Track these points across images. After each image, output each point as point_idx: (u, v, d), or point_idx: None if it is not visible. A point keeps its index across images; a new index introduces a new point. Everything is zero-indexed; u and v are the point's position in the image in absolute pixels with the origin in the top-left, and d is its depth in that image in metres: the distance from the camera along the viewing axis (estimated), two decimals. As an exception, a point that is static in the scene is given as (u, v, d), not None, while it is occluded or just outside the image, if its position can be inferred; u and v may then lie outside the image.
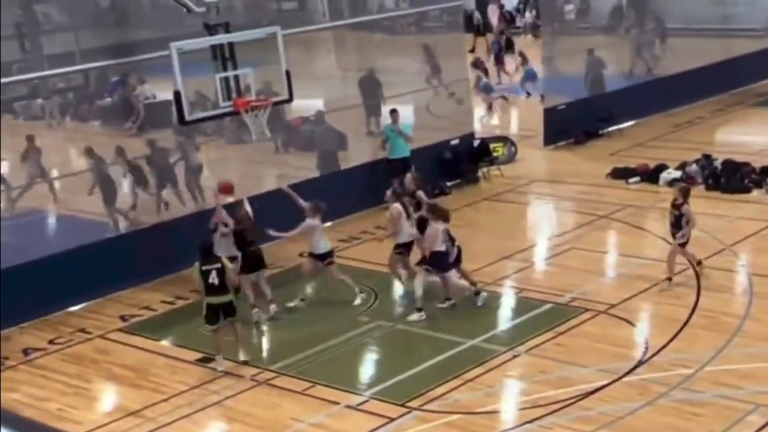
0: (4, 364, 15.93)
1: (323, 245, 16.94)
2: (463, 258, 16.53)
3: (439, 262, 16.21)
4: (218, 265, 14.78)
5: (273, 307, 16.82)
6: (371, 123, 25.15)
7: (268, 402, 13.96)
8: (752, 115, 28.87)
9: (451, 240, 16.27)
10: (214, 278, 14.71)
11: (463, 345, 15.19)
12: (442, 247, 16.12)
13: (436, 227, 16.11)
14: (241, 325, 15.46)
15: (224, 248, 16.43)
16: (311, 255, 17.01)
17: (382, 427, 12.91)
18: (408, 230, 17.02)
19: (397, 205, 16.96)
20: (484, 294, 16.59)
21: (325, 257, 16.94)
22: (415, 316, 16.17)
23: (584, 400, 13.06)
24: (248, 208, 17.13)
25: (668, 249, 16.99)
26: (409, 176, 18.29)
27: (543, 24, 31.68)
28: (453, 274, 16.50)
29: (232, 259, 16.26)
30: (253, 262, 16.69)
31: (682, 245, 16.73)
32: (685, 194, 16.77)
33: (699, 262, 16.98)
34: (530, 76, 32.87)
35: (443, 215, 16.30)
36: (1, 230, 17.76)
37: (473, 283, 16.64)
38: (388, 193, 17.29)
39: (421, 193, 17.67)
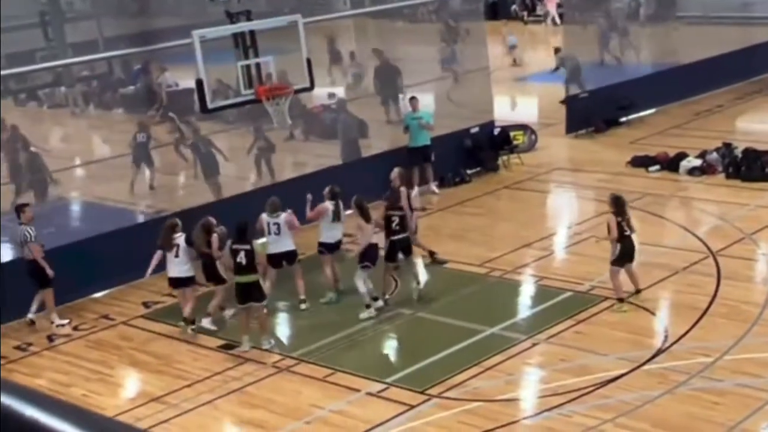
0: (29, 350, 16.11)
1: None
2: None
3: (374, 254, 16.21)
4: (248, 246, 15.06)
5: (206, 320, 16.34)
6: (390, 111, 25.21)
7: (289, 388, 14.06)
8: (772, 103, 28.77)
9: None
10: (242, 258, 14.98)
11: (483, 333, 15.25)
12: (374, 240, 16.18)
13: (370, 225, 16.18)
14: (267, 312, 15.63)
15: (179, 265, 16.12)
16: None
17: (402, 415, 12.99)
18: (330, 232, 16.92)
19: (327, 204, 16.88)
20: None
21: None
22: (365, 314, 16.01)
23: (603, 388, 13.12)
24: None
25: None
26: (395, 171, 17.89)
27: (566, 12, 31.64)
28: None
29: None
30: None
31: (613, 263, 15.55)
32: (616, 205, 15.56)
33: (620, 300, 15.60)
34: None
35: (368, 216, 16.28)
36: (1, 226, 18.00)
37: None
38: (326, 190, 17.07)
39: (403, 190, 17.43)
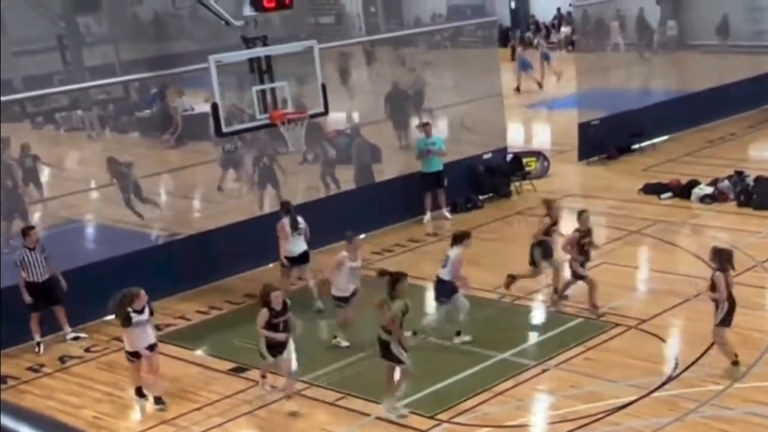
0: (41, 372, 16.20)
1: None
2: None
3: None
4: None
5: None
6: (402, 137, 25.35)
7: (299, 412, 14.09)
8: (785, 131, 28.78)
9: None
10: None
11: (494, 358, 15.28)
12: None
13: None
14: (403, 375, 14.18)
15: None
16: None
17: (413, 439, 13.03)
18: (293, 246, 17.43)
19: (284, 219, 17.43)
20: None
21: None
22: (457, 339, 15.94)
23: (613, 415, 13.12)
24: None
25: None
26: (585, 215, 17.25)
27: (579, 39, 31.75)
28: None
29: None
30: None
31: (720, 324, 14.02)
32: (720, 260, 13.97)
33: (735, 363, 14.04)
34: None
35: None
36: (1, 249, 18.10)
37: None
38: (281, 206, 17.91)
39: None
